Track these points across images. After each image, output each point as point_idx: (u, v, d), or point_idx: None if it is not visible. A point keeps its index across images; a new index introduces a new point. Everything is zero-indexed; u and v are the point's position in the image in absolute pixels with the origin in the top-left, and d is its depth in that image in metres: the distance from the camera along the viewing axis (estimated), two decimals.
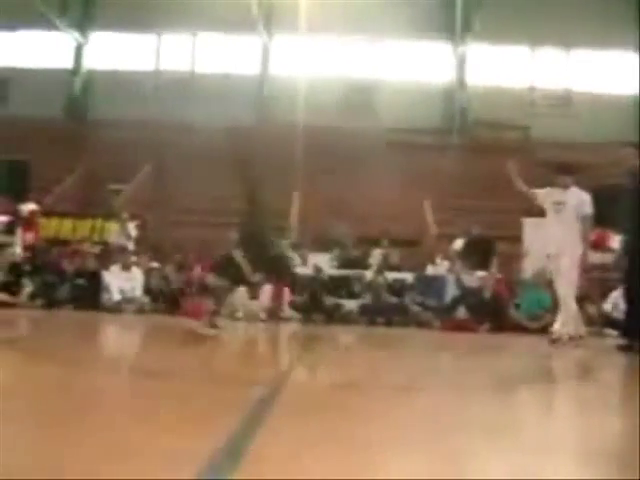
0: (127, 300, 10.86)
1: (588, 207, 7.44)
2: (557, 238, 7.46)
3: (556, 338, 7.35)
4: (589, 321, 10.21)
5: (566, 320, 7.42)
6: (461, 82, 21.87)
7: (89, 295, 10.80)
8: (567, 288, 7.40)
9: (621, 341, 6.81)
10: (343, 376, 4.03)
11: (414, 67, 21.88)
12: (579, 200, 7.48)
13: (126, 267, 11.20)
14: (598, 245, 11.93)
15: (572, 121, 20.87)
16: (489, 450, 2.05)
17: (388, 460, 1.86)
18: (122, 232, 12.50)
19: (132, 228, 12.82)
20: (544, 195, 7.71)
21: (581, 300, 10.06)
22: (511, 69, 21.97)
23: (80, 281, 10.92)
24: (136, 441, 1.91)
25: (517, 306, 10.75)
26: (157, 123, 18.95)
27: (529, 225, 13.36)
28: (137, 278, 11.20)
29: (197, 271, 11.44)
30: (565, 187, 7.59)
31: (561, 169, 7.78)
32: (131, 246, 12.31)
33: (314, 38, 20.93)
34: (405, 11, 21.01)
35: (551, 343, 7.27)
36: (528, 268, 12.11)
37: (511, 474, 1.80)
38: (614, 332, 9.64)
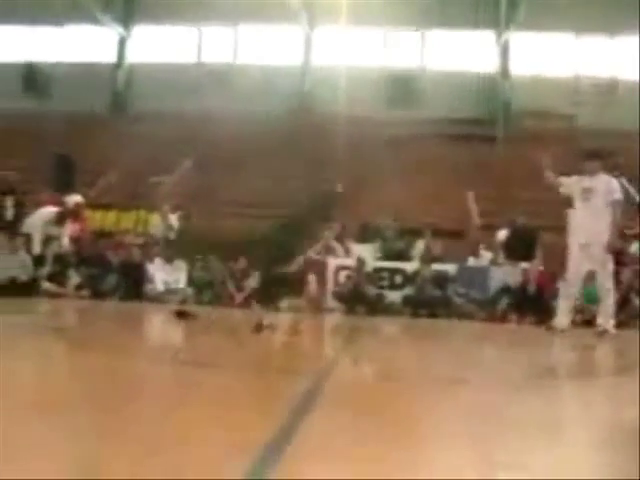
0: (170, 291, 11.01)
1: (617, 193, 7.26)
2: (586, 227, 7.32)
3: (602, 331, 7.21)
4: (633, 313, 9.97)
5: (607, 311, 7.31)
6: (505, 71, 21.51)
7: (133, 286, 10.97)
8: (604, 277, 7.29)
9: None
10: (387, 369, 4.02)
11: (457, 57, 21.59)
12: (608, 186, 7.30)
13: (169, 259, 11.34)
14: None
15: (618, 109, 20.35)
16: (534, 447, 2.02)
17: (433, 458, 1.85)
18: (164, 224, 12.61)
19: (174, 220, 12.93)
20: (571, 183, 7.56)
21: (626, 291, 9.87)
22: (555, 57, 21.52)
23: (124, 272, 11.11)
24: (184, 431, 1.92)
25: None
26: (199, 115, 19.11)
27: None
28: (181, 269, 11.34)
29: (241, 263, 11.52)
30: (592, 173, 7.39)
31: (589, 155, 7.58)
32: (173, 237, 12.42)
33: (355, 29, 20.81)
34: (448, 0, 20.76)
35: (598, 336, 7.13)
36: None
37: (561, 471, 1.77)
38: None
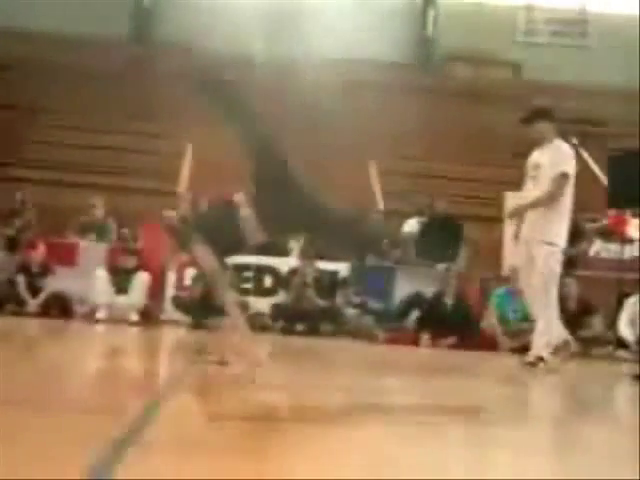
0: None
1: (564, 164, 7.31)
2: (531, 218, 7.38)
3: (533, 361, 7.35)
4: (595, 340, 10.54)
5: (544, 331, 7.32)
6: None
7: None
8: (544, 284, 7.31)
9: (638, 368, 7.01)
10: (242, 403, 4.03)
11: None
12: (555, 157, 7.35)
13: None
14: (611, 233, 12.31)
15: (586, 56, 21.28)
16: None
17: None
18: None
19: None
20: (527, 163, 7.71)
21: (582, 310, 10.37)
22: None
23: None
24: None
25: (493, 314, 10.97)
26: None
27: (512, 202, 13.60)
28: None
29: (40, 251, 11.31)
30: (543, 142, 7.49)
31: (535, 115, 7.63)
32: None
33: None
34: None
35: (527, 365, 7.33)
36: (509, 261, 12.37)
37: None
38: (629, 355, 10.01)
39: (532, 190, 7.48)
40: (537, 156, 7.52)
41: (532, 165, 7.54)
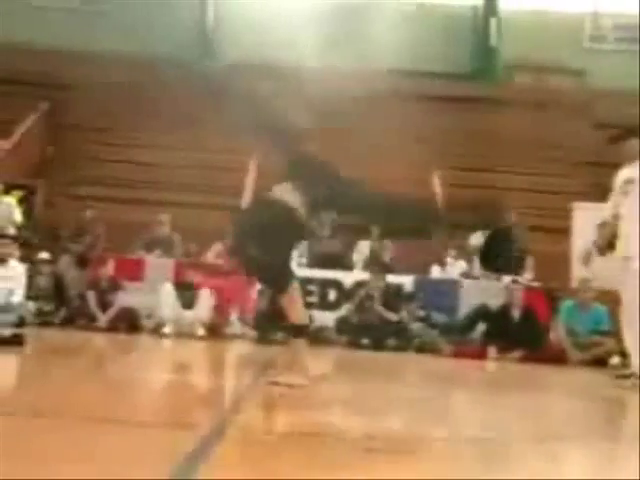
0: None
1: None
2: (625, 233, 7.43)
3: (627, 374, 7.35)
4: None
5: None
6: (491, 7, 21.91)
7: None
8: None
9: None
10: (309, 420, 4.04)
11: None
12: None
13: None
14: None
15: None
16: None
17: None
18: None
19: (13, 204, 12.73)
20: (616, 179, 7.70)
21: None
22: None
23: None
24: None
25: (561, 327, 10.85)
26: None
27: (581, 212, 13.46)
28: (16, 275, 10.85)
29: (109, 267, 11.52)
30: (632, 159, 7.53)
31: (624, 134, 7.76)
32: (11, 230, 12.18)
33: None
34: None
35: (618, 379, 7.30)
36: (578, 274, 12.22)
37: None
38: None
39: (626, 205, 7.45)
40: (629, 172, 7.54)
41: (624, 180, 7.55)
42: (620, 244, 7.53)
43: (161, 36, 20.40)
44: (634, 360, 7.37)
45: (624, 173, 7.63)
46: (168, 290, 11.23)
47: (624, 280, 7.46)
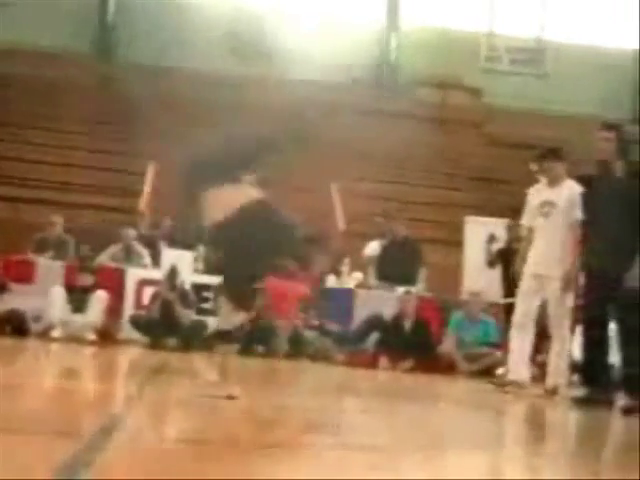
0: None
1: (580, 210, 7.55)
2: (544, 253, 7.66)
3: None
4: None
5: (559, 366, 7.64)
6: (393, 23, 22.21)
7: None
8: (561, 321, 7.64)
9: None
10: (198, 428, 3.99)
11: None
12: (573, 199, 7.59)
13: None
14: None
15: (542, 84, 21.62)
16: None
17: None
18: None
19: None
20: (531, 196, 7.94)
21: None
22: (462, 8, 22.44)
23: None
24: None
25: (451, 338, 11.01)
26: None
27: (472, 226, 13.71)
28: None
29: None
30: (554, 181, 7.77)
31: (549, 154, 7.96)
32: None
33: None
34: None
35: (549, 395, 7.52)
36: (469, 286, 12.44)
37: None
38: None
39: (545, 226, 7.71)
40: (548, 193, 7.77)
41: (542, 202, 7.77)
42: (533, 261, 7.73)
43: (60, 28, 20.01)
44: (514, 369, 7.70)
45: (542, 193, 7.81)
46: (58, 292, 10.95)
47: (535, 295, 7.72)
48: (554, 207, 7.67)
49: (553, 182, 7.79)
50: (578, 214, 7.52)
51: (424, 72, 21.16)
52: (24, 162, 16.54)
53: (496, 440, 4.78)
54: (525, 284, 7.76)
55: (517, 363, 7.70)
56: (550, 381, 7.63)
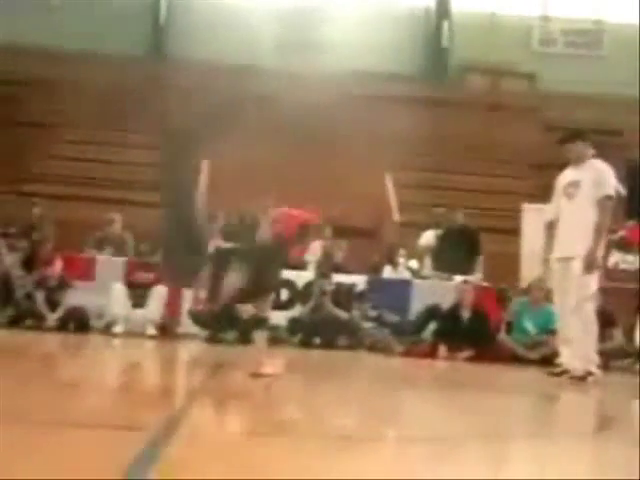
0: None
1: (608, 186, 7.45)
2: (568, 234, 7.53)
3: (562, 371, 7.51)
4: (616, 352, 10.46)
5: (585, 348, 7.49)
6: (443, 9, 22.04)
7: None
8: (582, 304, 7.46)
9: None
10: (261, 421, 4.02)
11: None
12: (597, 177, 7.49)
13: None
14: (630, 244, 12.24)
15: (600, 67, 21.24)
16: None
17: None
18: None
19: None
20: (558, 180, 7.82)
21: (602, 322, 10.33)
22: None
23: None
24: None
25: (509, 327, 10.93)
26: None
27: (532, 213, 13.58)
28: None
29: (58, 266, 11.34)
30: (579, 160, 7.67)
31: (572, 135, 7.88)
32: None
33: None
34: None
35: (576, 382, 7.40)
36: (527, 274, 12.33)
37: None
38: None
39: (569, 207, 7.58)
40: (573, 174, 7.66)
41: (568, 182, 7.66)
42: (558, 245, 7.64)
43: (114, 32, 20.24)
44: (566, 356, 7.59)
45: (567, 175, 7.74)
46: (119, 289, 11.11)
47: (565, 280, 7.57)
48: (578, 187, 7.54)
49: (576, 163, 7.68)
50: (606, 190, 7.40)
51: (476, 59, 20.98)
52: (82, 161, 16.80)
53: (557, 429, 4.76)
54: (553, 270, 7.69)
55: (571, 351, 7.59)
56: (578, 367, 7.46)
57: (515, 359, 10.52)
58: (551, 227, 7.91)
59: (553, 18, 22.29)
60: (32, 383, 5.03)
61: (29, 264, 11.74)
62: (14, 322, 10.94)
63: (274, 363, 5.35)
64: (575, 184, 7.58)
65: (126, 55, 19.99)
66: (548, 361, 9.75)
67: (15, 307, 11.16)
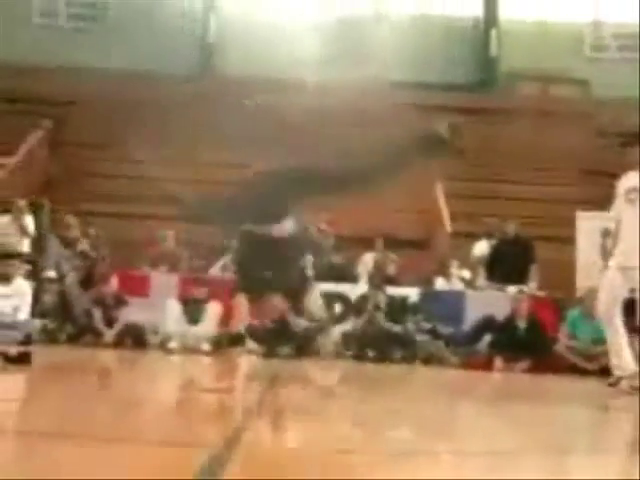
0: (5, 326, 10.69)
1: None
2: (630, 242, 7.40)
3: (613, 382, 7.44)
4: None
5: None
6: (491, 18, 21.96)
7: None
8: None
9: None
10: (320, 437, 4.05)
11: None
12: None
13: (5, 277, 10.73)
14: None
15: None
16: None
17: None
18: (14, 226, 12.18)
19: (29, 220, 12.52)
20: (619, 185, 7.69)
21: None
22: None
23: None
24: None
25: (569, 337, 10.84)
26: None
27: (585, 221, 13.47)
28: (23, 293, 10.80)
29: (113, 283, 11.54)
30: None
31: (631, 139, 7.76)
32: (26, 247, 12.00)
33: None
34: None
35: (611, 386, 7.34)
36: (582, 283, 12.21)
37: None
38: None
39: (631, 212, 7.42)
40: (635, 179, 7.51)
41: (630, 188, 7.53)
42: (619, 252, 7.54)
43: (162, 51, 20.47)
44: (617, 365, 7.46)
45: (629, 180, 7.63)
46: (173, 305, 11.25)
47: (621, 290, 7.47)
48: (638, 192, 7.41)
49: (638, 167, 7.53)
50: None
51: (526, 66, 20.85)
52: (134, 179, 16.99)
53: (617, 442, 4.72)
54: (610, 276, 7.50)
55: (617, 358, 7.48)
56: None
57: (573, 370, 10.43)
58: (611, 234, 7.84)
59: (604, 22, 22.09)
60: (92, 399, 5.12)
61: (86, 282, 11.95)
62: (73, 339, 11.16)
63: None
64: (635, 189, 7.47)
65: (175, 73, 20.21)
66: (607, 372, 9.68)
67: (74, 324, 11.40)
